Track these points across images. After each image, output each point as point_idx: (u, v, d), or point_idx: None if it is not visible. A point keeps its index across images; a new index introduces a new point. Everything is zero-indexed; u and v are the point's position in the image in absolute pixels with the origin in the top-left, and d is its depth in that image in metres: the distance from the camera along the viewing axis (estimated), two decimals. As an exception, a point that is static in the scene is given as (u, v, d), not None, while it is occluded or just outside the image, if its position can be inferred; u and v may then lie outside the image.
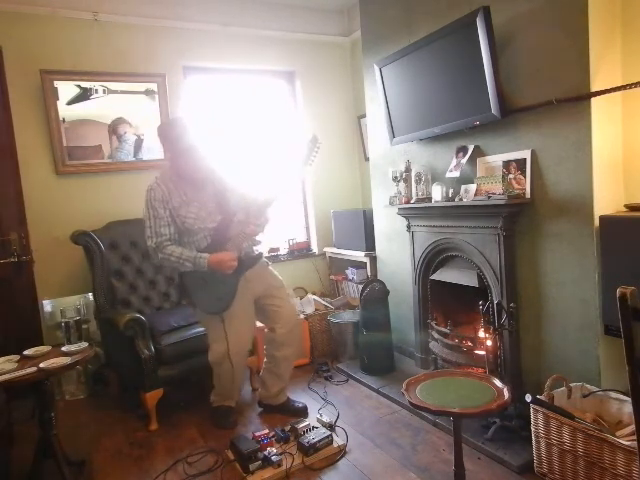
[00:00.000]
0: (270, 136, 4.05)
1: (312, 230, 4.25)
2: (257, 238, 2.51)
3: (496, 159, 2.43)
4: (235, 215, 2.41)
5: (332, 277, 4.16)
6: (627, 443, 1.60)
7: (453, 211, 2.60)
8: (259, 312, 2.56)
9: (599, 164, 2.00)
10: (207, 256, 2.29)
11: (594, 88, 1.96)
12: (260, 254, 2.55)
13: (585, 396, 1.98)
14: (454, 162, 2.65)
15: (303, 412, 2.62)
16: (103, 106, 3.28)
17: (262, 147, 4.00)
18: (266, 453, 2.13)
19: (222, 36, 3.69)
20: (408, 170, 2.94)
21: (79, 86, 3.21)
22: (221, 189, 2.40)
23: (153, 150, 3.45)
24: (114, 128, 3.32)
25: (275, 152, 4.08)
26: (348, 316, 3.48)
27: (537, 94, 2.17)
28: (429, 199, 2.78)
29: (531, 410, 1.94)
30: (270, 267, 2.62)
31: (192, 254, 2.30)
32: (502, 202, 2.21)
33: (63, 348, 2.18)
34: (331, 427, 2.40)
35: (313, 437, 2.22)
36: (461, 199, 2.52)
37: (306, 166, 2.37)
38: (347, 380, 3.08)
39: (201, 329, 2.69)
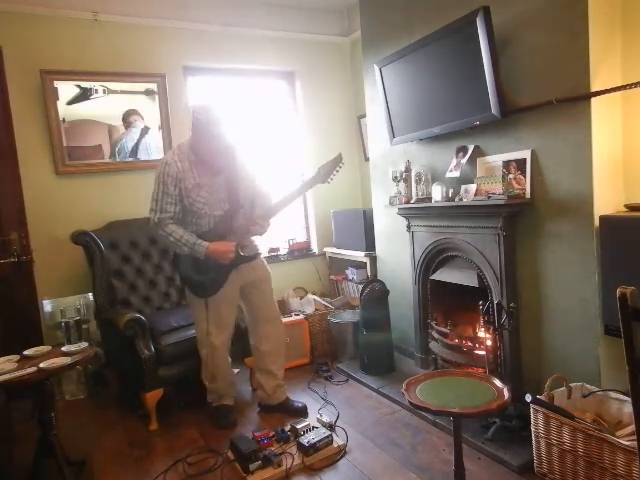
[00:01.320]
0: (270, 137, 4.05)
1: (312, 230, 4.25)
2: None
3: (496, 159, 2.43)
4: (242, 207, 2.43)
5: (332, 277, 4.16)
6: (627, 443, 1.60)
7: (453, 211, 2.60)
8: (242, 300, 2.58)
9: (599, 164, 2.00)
10: (206, 244, 2.29)
11: (594, 88, 1.96)
12: (259, 253, 2.57)
13: (585, 396, 1.98)
14: (454, 162, 2.65)
15: (303, 412, 2.62)
16: (103, 106, 3.29)
17: (262, 148, 4.00)
18: (266, 453, 2.12)
19: (222, 36, 3.69)
20: (408, 170, 2.94)
21: (79, 86, 3.21)
22: (234, 179, 2.40)
23: (153, 150, 3.46)
24: (126, 117, 3.36)
25: (275, 153, 4.08)
26: (348, 316, 3.48)
27: (537, 94, 2.17)
28: (429, 199, 2.78)
29: (531, 410, 1.94)
30: (262, 257, 2.62)
31: (192, 239, 2.30)
32: (502, 202, 2.21)
33: (63, 348, 2.18)
34: (331, 427, 2.40)
35: (313, 437, 2.22)
36: (461, 199, 2.52)
37: (324, 183, 2.39)
38: (347, 380, 3.08)
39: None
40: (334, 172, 2.38)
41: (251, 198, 2.48)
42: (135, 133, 3.41)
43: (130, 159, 3.39)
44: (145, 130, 3.44)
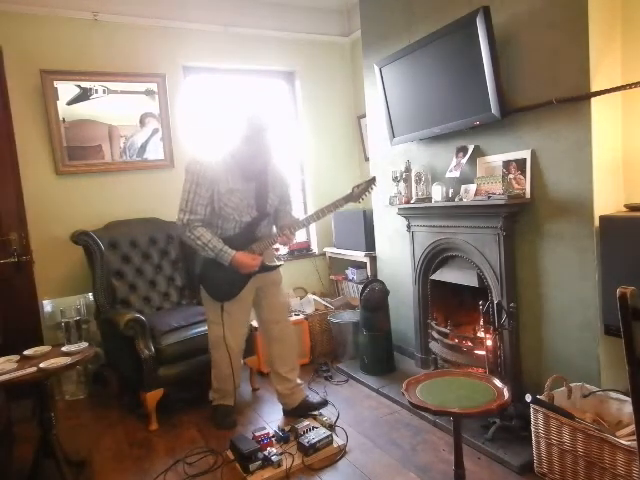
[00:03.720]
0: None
1: (312, 230, 4.25)
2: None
3: (496, 159, 2.43)
4: (268, 215, 2.44)
5: (332, 277, 4.16)
6: (627, 443, 1.60)
7: (453, 211, 2.60)
8: (254, 302, 2.58)
9: (599, 164, 2.00)
10: (233, 253, 2.28)
11: (594, 88, 1.96)
12: (282, 264, 2.56)
13: (585, 396, 1.98)
14: (454, 162, 2.65)
15: (323, 404, 2.64)
16: (103, 106, 3.29)
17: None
18: (266, 453, 2.12)
19: (222, 36, 3.69)
20: (408, 170, 2.94)
21: (79, 86, 3.21)
22: (265, 187, 2.40)
23: (155, 151, 3.46)
24: (142, 118, 3.42)
25: (275, 152, 4.07)
26: (348, 316, 3.47)
27: (537, 94, 2.17)
28: (429, 199, 2.78)
29: (531, 410, 1.94)
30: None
31: (219, 245, 2.28)
32: (502, 202, 2.21)
33: (63, 348, 2.18)
34: (331, 427, 2.39)
35: (313, 437, 2.22)
36: (461, 199, 2.52)
37: (356, 202, 2.45)
38: (347, 380, 3.08)
39: (202, 329, 2.71)
40: (367, 192, 2.44)
41: (276, 206, 2.49)
42: (147, 132, 3.44)
43: (137, 159, 3.41)
44: (156, 131, 3.47)
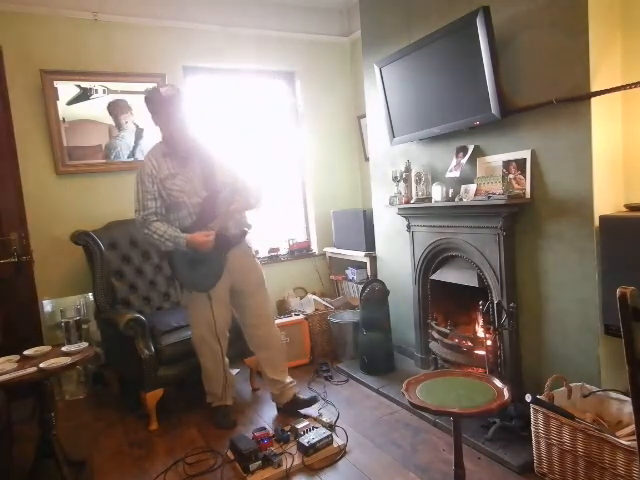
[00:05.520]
0: (270, 136, 4.05)
1: (312, 230, 4.25)
2: (247, 220, 2.53)
3: (496, 159, 2.43)
4: (220, 192, 2.41)
5: (332, 277, 4.16)
6: (627, 443, 1.60)
7: (453, 211, 2.60)
8: (233, 304, 2.57)
9: (599, 164, 2.00)
10: (185, 236, 2.30)
11: (594, 88, 1.96)
12: (244, 231, 2.51)
13: (585, 396, 1.98)
14: (454, 162, 2.65)
15: (313, 401, 2.63)
16: (103, 106, 3.29)
17: (262, 147, 4.00)
18: (266, 453, 2.13)
19: (222, 36, 3.69)
20: (408, 170, 2.94)
21: (79, 86, 3.21)
22: (208, 165, 2.39)
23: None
24: (114, 112, 3.33)
25: (275, 152, 4.08)
26: (348, 316, 3.48)
27: (537, 94, 2.17)
28: (429, 199, 2.78)
29: (531, 410, 1.94)
30: (256, 259, 2.61)
31: (174, 233, 2.30)
32: (502, 202, 2.21)
33: (63, 348, 2.18)
34: (331, 427, 2.39)
35: (313, 437, 2.22)
36: (461, 199, 2.52)
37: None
38: (347, 380, 3.08)
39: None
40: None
41: (231, 184, 2.42)
42: (129, 138, 3.38)
43: (130, 159, 3.39)
44: (139, 132, 3.41)
